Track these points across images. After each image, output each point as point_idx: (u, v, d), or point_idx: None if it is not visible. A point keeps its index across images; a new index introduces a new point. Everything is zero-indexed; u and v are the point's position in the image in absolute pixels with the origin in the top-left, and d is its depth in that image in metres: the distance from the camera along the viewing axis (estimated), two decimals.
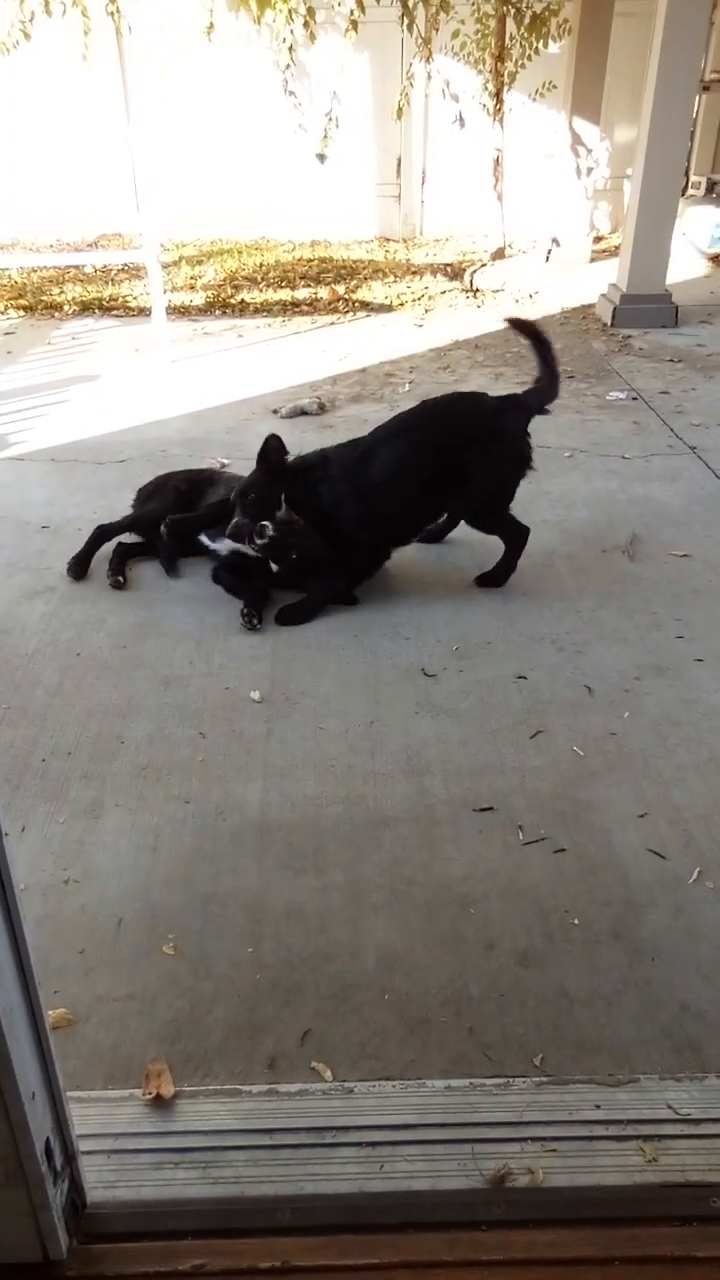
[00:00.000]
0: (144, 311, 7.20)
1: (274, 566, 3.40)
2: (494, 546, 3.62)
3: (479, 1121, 1.66)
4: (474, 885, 2.24)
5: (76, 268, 8.74)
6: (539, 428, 3.50)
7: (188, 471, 4.08)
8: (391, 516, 3.46)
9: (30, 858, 2.31)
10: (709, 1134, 1.63)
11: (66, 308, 7.66)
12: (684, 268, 8.12)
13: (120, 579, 3.56)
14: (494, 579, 3.55)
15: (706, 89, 8.82)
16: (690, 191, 8.79)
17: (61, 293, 8.02)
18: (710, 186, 8.90)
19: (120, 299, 7.85)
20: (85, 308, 7.67)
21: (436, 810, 2.48)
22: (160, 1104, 1.68)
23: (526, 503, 3.68)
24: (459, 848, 2.36)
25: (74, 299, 7.82)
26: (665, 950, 2.06)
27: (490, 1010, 1.94)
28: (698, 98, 8.15)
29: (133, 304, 7.69)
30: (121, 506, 4.18)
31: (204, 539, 3.61)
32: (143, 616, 3.38)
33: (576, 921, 2.14)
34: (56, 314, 7.56)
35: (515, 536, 3.55)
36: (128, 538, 3.76)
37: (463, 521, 3.68)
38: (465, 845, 2.37)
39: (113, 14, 7.55)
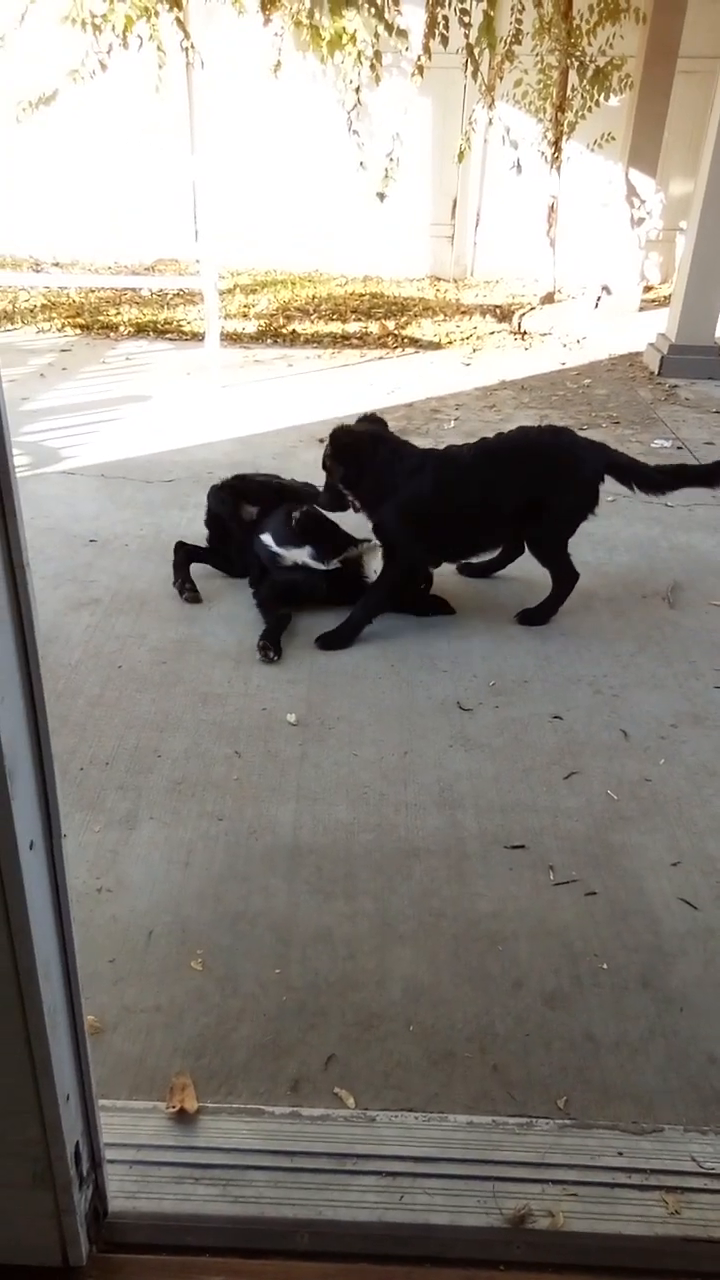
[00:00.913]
0: (197, 336, 7.34)
1: (325, 565, 3.49)
2: (535, 585, 3.64)
3: (501, 1160, 1.65)
4: (503, 923, 2.24)
5: (133, 290, 8.92)
6: None
7: (264, 477, 4.15)
8: (456, 539, 3.56)
9: (65, 864, 2.33)
10: None
11: (122, 328, 7.82)
12: None
13: (188, 588, 3.65)
14: (537, 616, 3.58)
15: None
16: None
17: (118, 314, 8.19)
18: None
19: (174, 323, 8.01)
20: (140, 330, 7.83)
21: (468, 844, 2.49)
22: (183, 1118, 1.69)
23: (569, 544, 3.69)
24: (489, 884, 2.36)
25: (130, 320, 7.99)
26: (694, 1001, 2.05)
27: (515, 1049, 1.93)
28: None
29: (186, 328, 7.84)
30: (168, 524, 4.26)
31: (268, 540, 3.64)
32: (184, 633, 3.42)
33: (605, 966, 2.13)
34: (112, 334, 7.72)
35: (566, 577, 3.59)
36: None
37: (518, 556, 3.76)
38: (495, 882, 2.37)
39: (187, 49, 7.76)
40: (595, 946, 2.18)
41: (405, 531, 3.45)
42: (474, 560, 3.83)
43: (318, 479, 4.78)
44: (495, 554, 3.82)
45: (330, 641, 3.40)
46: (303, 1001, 2.02)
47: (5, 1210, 1.39)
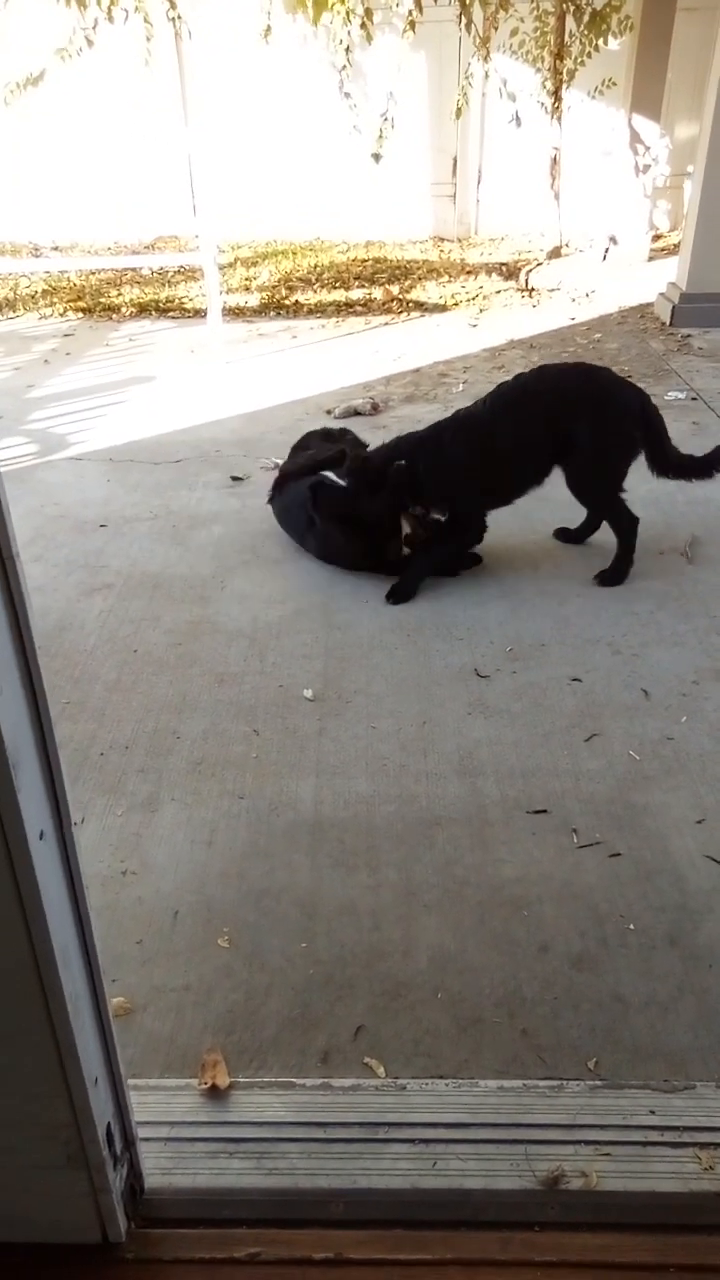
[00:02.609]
0: (200, 313, 7.29)
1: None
2: (552, 549, 3.61)
3: (532, 1123, 1.66)
4: (527, 887, 2.24)
5: (134, 270, 8.87)
6: None
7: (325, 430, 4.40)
8: (500, 484, 3.59)
9: (89, 849, 2.36)
10: None
11: (124, 310, 7.78)
12: None
13: None
14: (612, 577, 3.55)
15: None
16: None
17: (119, 295, 8.15)
18: None
19: (176, 301, 7.95)
20: (142, 310, 7.79)
21: (489, 811, 2.48)
22: (216, 1094, 1.71)
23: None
24: (512, 850, 2.36)
25: (131, 301, 7.94)
26: None
27: (544, 1013, 1.93)
28: None
29: (189, 305, 7.78)
30: (178, 505, 4.26)
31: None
32: (197, 614, 3.43)
33: (632, 927, 2.13)
34: (114, 316, 7.68)
35: (622, 525, 3.57)
36: None
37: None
38: (518, 847, 2.36)
39: (174, 20, 7.64)
40: (621, 908, 2.18)
41: (455, 487, 3.51)
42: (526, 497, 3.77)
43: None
44: (579, 522, 3.84)
45: (399, 594, 3.49)
46: (330, 974, 2.03)
47: (43, 1191, 1.41)
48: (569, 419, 3.43)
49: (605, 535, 3.68)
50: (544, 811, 2.47)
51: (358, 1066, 1.83)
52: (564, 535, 3.88)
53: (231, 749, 2.74)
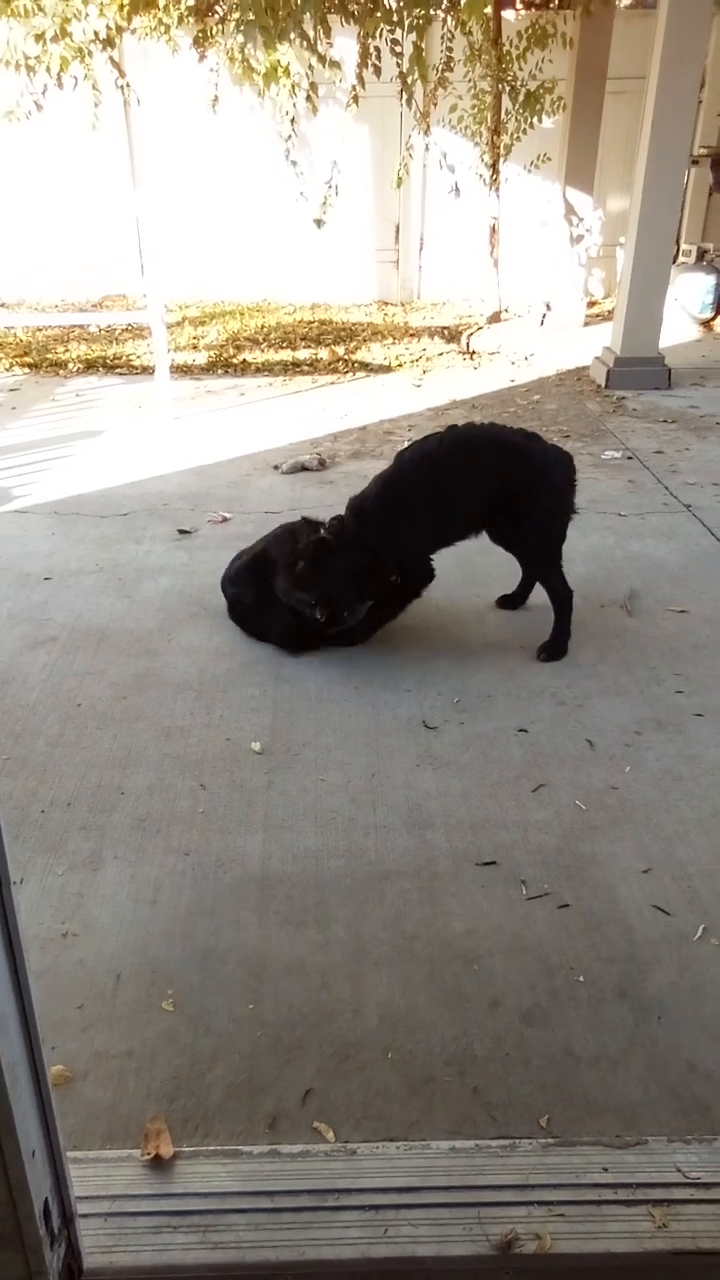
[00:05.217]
0: (147, 370, 7.33)
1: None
2: (492, 603, 3.66)
3: (485, 1184, 1.62)
4: (477, 941, 2.22)
5: (81, 327, 8.92)
6: None
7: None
8: (444, 525, 3.50)
9: (28, 910, 2.28)
10: None
11: (71, 366, 7.80)
12: (676, 332, 8.31)
13: None
14: (554, 650, 3.48)
15: (695, 163, 9.11)
16: (681, 259, 9.02)
17: (66, 351, 8.18)
18: (700, 254, 9.14)
19: (124, 358, 8.00)
20: (89, 366, 7.81)
21: (439, 864, 2.47)
22: (159, 1164, 1.64)
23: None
24: (462, 903, 2.34)
25: (78, 357, 7.97)
26: (671, 1008, 2.04)
27: (495, 1070, 1.91)
28: (687, 171, 8.41)
29: (136, 363, 7.83)
30: (124, 558, 4.23)
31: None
32: (143, 667, 3.39)
33: (581, 979, 2.12)
34: (61, 371, 7.69)
35: (559, 594, 3.53)
36: None
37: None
38: (468, 900, 2.35)
39: (122, 87, 7.82)
40: (570, 959, 2.17)
41: (394, 532, 3.40)
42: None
43: (272, 505, 4.80)
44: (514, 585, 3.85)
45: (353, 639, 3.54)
46: (278, 1036, 1.98)
47: None
48: (506, 481, 3.42)
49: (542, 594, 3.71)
50: (493, 863, 2.47)
51: (307, 1131, 1.78)
52: (505, 602, 3.86)
53: (177, 804, 2.69)
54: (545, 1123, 1.80)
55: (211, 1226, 1.53)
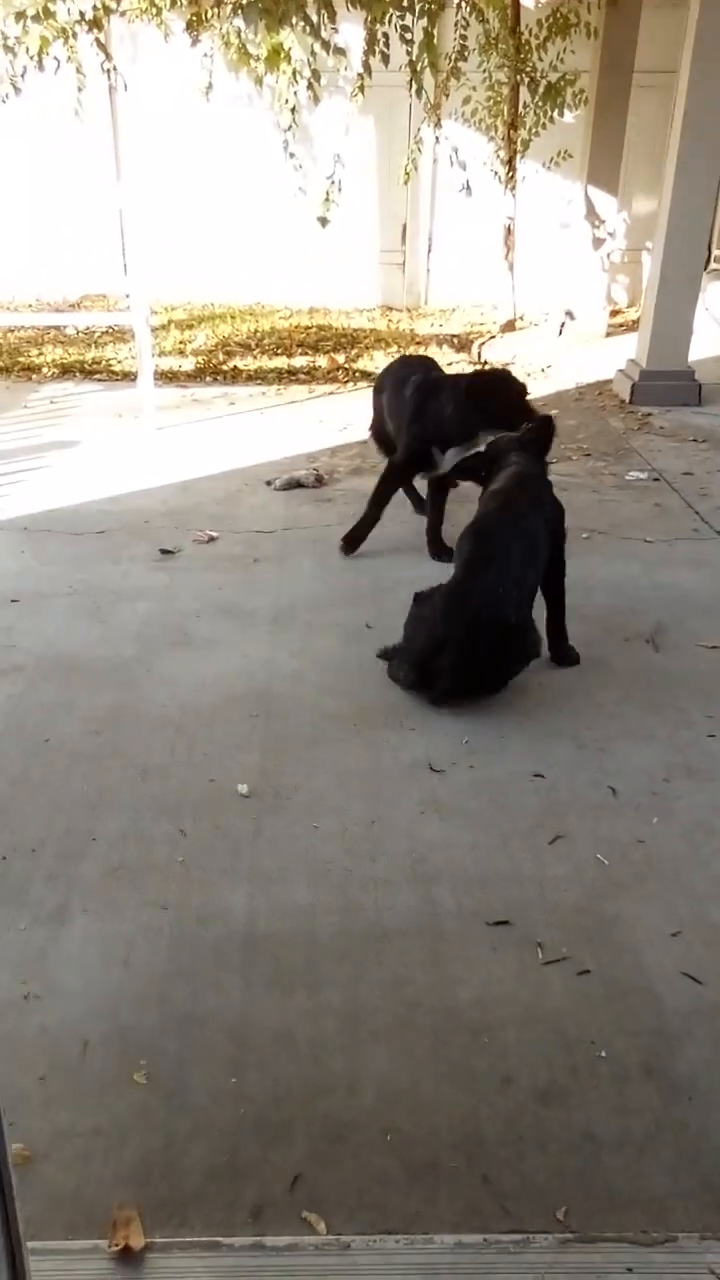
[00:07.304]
0: (128, 376, 7.40)
1: None
2: None
3: None
4: (487, 1010, 2.20)
5: (57, 329, 9.01)
6: None
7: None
8: None
9: None
10: None
11: (45, 370, 7.88)
12: (708, 344, 8.39)
13: None
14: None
15: None
16: (713, 265, 9.16)
17: (40, 354, 8.26)
18: None
19: (103, 362, 8.08)
20: (65, 371, 7.89)
21: (445, 923, 2.45)
22: (128, 1257, 1.62)
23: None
24: (470, 967, 2.32)
25: (53, 361, 8.05)
26: (704, 1088, 2.02)
27: (507, 1155, 1.88)
28: None
29: (117, 368, 7.91)
30: (100, 580, 4.25)
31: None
32: (119, 699, 3.39)
33: (604, 1054, 2.10)
34: (34, 376, 7.77)
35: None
36: None
37: None
38: (477, 964, 2.33)
39: (108, 71, 7.96)
40: (591, 1032, 2.15)
41: None
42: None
43: (264, 524, 4.84)
44: None
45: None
46: (263, 1114, 1.95)
47: None
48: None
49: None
50: (505, 923, 2.45)
51: (295, 1222, 1.75)
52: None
53: (154, 852, 2.68)
54: (563, 1215, 1.77)
55: None
